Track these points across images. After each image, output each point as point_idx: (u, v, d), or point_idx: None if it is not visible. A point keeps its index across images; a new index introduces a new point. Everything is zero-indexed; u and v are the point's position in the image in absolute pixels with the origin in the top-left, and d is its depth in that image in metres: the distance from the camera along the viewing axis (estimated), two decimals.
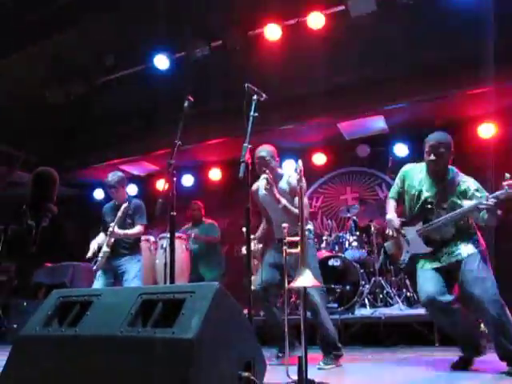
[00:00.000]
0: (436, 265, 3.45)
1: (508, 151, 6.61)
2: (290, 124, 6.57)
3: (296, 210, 3.78)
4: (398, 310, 5.40)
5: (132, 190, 8.50)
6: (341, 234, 6.38)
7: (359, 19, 5.40)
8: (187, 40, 6.20)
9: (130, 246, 4.95)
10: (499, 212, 3.18)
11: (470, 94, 5.78)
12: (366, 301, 5.73)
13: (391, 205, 3.80)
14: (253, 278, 4.76)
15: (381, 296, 5.81)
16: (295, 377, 2.62)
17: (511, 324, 3.19)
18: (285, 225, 3.22)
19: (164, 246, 5.64)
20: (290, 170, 4.43)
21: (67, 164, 7.72)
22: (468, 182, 3.45)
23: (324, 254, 5.93)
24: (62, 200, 2.50)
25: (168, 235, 3.72)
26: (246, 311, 2.78)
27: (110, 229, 4.73)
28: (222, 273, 6.65)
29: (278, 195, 3.92)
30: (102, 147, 7.66)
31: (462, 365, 3.42)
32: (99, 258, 4.74)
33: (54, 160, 6.90)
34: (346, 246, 6.18)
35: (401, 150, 6.93)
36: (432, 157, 3.45)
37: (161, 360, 1.81)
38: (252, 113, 3.09)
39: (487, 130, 6.44)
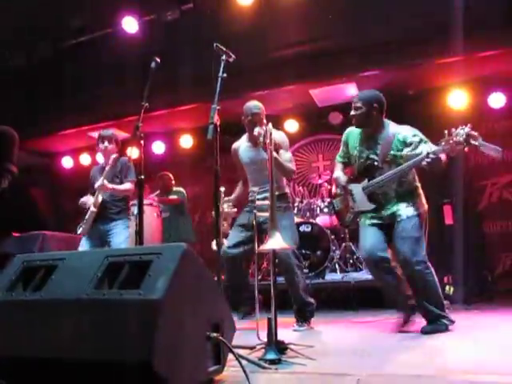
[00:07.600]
0: (377, 221, 3.54)
1: (477, 120, 6.70)
2: (261, 90, 6.47)
3: (290, 165, 3.91)
4: (368, 274, 5.48)
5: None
6: (312, 201, 6.45)
7: None
8: (157, 3, 6.02)
9: (120, 210, 4.57)
10: (444, 158, 3.27)
11: (442, 62, 5.78)
12: (337, 266, 5.83)
13: (338, 166, 3.89)
14: (225, 241, 4.69)
15: (351, 261, 5.91)
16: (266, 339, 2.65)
17: (433, 286, 3.34)
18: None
19: (136, 213, 5.54)
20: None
21: (34, 131, 7.48)
22: (404, 131, 3.53)
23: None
24: (29, 169, 2.42)
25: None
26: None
27: (98, 183, 4.36)
28: (192, 241, 6.43)
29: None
30: (71, 113, 7.40)
31: (402, 325, 3.51)
32: (84, 221, 4.37)
33: (19, 126, 6.68)
34: (317, 212, 6.25)
35: None
36: (352, 112, 3.59)
37: (128, 321, 1.79)
38: (220, 73, 3.02)
39: (458, 99, 6.49)
